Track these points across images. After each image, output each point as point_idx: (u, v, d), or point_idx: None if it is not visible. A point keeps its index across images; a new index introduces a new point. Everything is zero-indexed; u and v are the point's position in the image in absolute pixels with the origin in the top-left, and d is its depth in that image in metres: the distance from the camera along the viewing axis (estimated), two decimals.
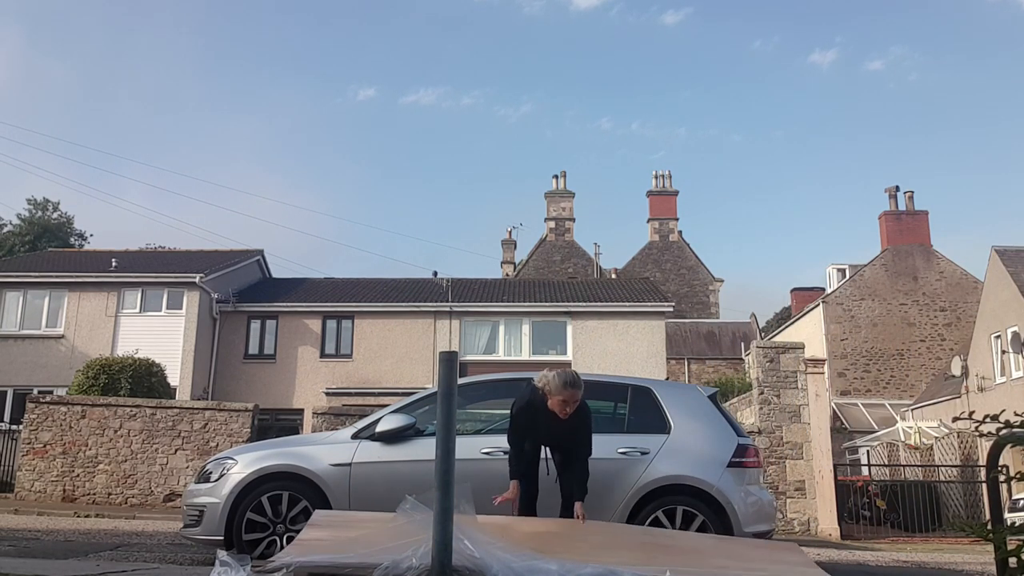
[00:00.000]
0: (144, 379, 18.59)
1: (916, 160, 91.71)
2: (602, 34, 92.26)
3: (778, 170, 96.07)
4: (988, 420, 3.63)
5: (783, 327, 39.74)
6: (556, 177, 46.27)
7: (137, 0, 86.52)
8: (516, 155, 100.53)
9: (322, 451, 6.39)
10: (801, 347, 15.41)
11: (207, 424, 15.80)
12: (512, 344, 25.78)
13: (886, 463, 21.31)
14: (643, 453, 6.23)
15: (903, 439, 22.37)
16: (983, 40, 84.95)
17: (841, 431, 27.94)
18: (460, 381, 4.73)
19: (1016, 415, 3.55)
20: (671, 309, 27.93)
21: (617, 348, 24.80)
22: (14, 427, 18.33)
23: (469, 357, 24.60)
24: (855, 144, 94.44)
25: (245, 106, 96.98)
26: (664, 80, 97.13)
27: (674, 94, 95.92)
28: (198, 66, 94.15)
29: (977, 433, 3.69)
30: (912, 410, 29.20)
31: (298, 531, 5.26)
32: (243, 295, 26.50)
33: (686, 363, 38.40)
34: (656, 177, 46.57)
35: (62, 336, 24.18)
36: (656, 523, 6.01)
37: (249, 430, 15.74)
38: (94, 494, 15.36)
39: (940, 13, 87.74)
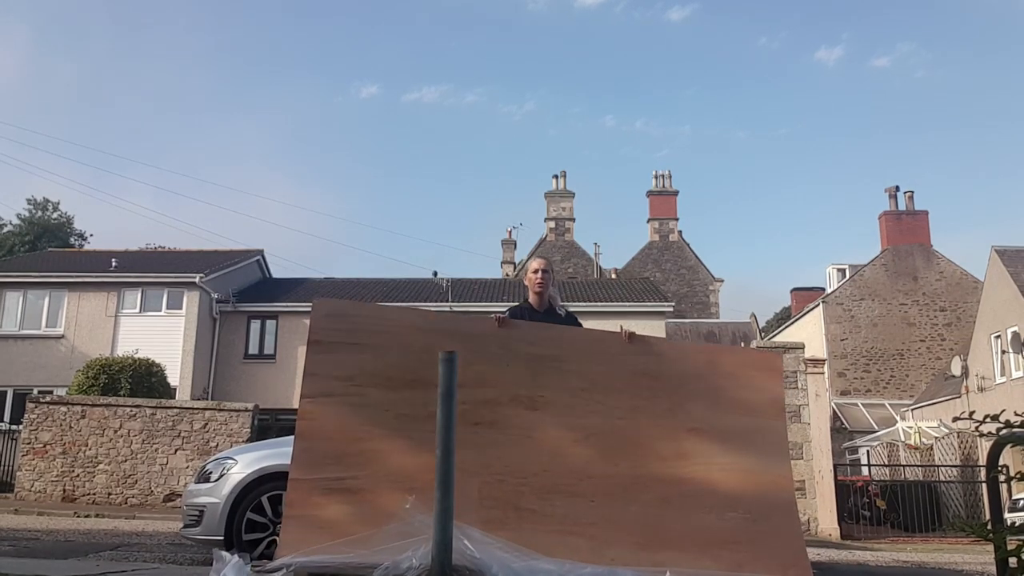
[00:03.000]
0: (144, 379, 18.60)
1: (916, 160, 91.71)
2: (607, 31, 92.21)
3: (779, 169, 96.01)
4: (988, 420, 3.63)
5: (783, 327, 39.77)
6: (556, 177, 46.30)
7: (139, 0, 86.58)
8: (518, 154, 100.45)
9: None
10: (801, 347, 15.39)
11: (207, 424, 15.80)
12: None
13: (886, 463, 21.30)
14: None
15: (903, 439, 22.37)
16: (987, 38, 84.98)
17: (841, 431, 27.95)
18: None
19: (1016, 415, 3.55)
20: (671, 309, 27.94)
21: None
22: (14, 427, 18.33)
23: None
24: (856, 143, 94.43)
25: (246, 104, 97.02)
26: (669, 77, 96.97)
27: (679, 91, 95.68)
28: (199, 65, 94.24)
29: (977, 433, 3.69)
30: (912, 410, 29.22)
31: None
32: (243, 295, 26.52)
33: None
34: (656, 177, 46.63)
35: (62, 336, 24.19)
36: None
37: (249, 430, 15.74)
38: (94, 494, 15.36)
39: (946, 10, 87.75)
